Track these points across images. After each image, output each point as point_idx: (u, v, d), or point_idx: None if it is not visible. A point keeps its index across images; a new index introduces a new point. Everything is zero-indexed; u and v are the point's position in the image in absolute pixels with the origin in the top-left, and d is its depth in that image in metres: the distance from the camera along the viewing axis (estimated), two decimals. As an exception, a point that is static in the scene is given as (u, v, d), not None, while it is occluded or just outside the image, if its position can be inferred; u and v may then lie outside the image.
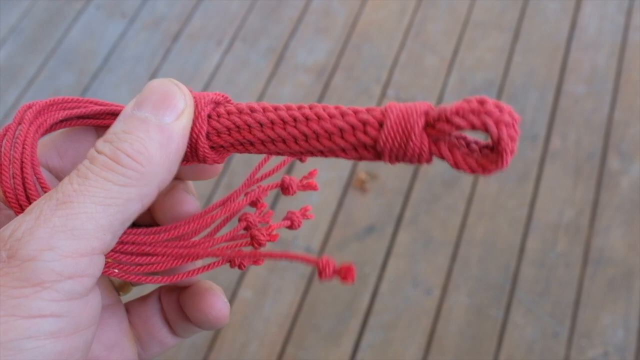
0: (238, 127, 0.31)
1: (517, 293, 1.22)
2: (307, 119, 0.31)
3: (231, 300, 1.24)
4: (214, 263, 0.33)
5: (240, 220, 0.33)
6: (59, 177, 0.34)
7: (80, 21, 1.62)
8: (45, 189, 0.31)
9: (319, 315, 1.23)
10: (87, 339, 0.28)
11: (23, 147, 0.32)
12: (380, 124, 0.30)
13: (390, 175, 1.36)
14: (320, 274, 0.31)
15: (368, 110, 0.31)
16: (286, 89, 1.49)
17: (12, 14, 1.63)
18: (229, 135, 0.31)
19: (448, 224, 1.30)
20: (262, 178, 0.36)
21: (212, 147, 0.32)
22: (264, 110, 0.31)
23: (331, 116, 0.31)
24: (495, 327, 1.20)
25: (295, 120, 0.31)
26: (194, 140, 0.31)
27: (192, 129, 0.31)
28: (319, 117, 0.31)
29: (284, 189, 0.35)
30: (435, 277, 1.25)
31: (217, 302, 0.35)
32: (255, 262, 0.33)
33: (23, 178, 0.31)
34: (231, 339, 1.21)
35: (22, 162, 0.31)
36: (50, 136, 0.34)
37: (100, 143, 0.29)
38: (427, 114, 0.30)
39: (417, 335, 1.19)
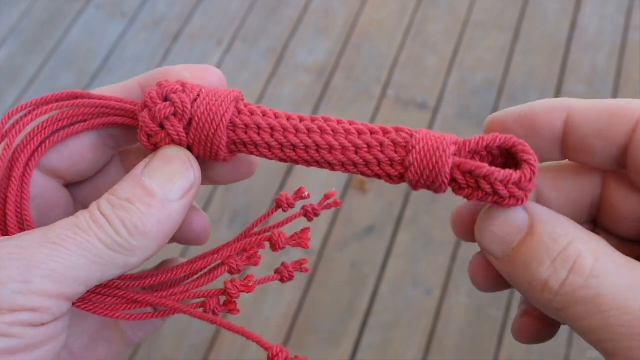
0: (260, 128, 0.31)
1: (517, 293, 1.22)
2: (334, 131, 0.31)
3: (231, 300, 1.24)
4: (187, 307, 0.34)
5: (223, 263, 0.34)
6: (56, 174, 0.34)
7: (80, 21, 1.62)
8: (29, 226, 0.32)
9: (318, 315, 1.23)
10: (51, 351, 0.29)
11: (9, 181, 0.32)
12: (407, 146, 0.31)
13: (390, 175, 1.36)
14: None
15: (397, 130, 0.31)
16: (286, 89, 1.49)
17: (12, 14, 1.63)
18: (246, 133, 0.31)
19: (448, 224, 1.30)
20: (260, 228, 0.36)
21: (230, 143, 0.32)
22: (289, 118, 0.31)
23: (360, 132, 0.31)
24: (495, 327, 1.20)
25: (322, 130, 0.31)
26: (217, 140, 0.31)
27: (215, 129, 0.31)
28: (346, 132, 0.31)
29: (273, 244, 0.35)
30: (435, 277, 1.25)
31: (196, 218, 0.36)
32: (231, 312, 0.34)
33: (5, 214, 0.32)
34: (231, 339, 1.21)
35: (6, 198, 0.32)
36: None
37: (104, 204, 0.30)
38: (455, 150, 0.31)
39: (417, 335, 1.19)
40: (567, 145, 0.31)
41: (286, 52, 1.55)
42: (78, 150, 0.34)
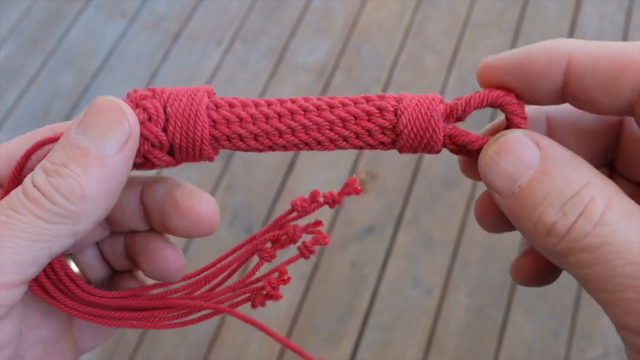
0: (241, 119, 0.31)
1: (517, 293, 1.22)
2: (318, 108, 0.31)
3: (231, 300, 1.24)
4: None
5: (256, 250, 0.33)
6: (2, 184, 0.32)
7: (80, 21, 1.62)
8: None
9: (318, 315, 1.22)
10: (6, 357, 0.28)
11: None
12: (396, 112, 0.30)
13: (390, 175, 1.36)
14: None
15: (381, 98, 0.31)
16: (286, 89, 1.49)
17: (12, 14, 1.63)
18: (228, 127, 0.31)
19: (448, 224, 1.30)
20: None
21: (212, 139, 0.31)
22: (269, 104, 0.31)
23: (344, 104, 0.30)
24: (495, 327, 1.20)
25: (305, 110, 0.30)
26: (198, 133, 0.30)
27: (194, 121, 0.30)
28: (330, 106, 0.30)
29: (290, 237, 0.34)
30: (435, 277, 1.25)
31: (171, 254, 0.34)
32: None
33: None
34: (231, 339, 1.21)
35: None
36: (6, 148, 0.33)
37: (38, 172, 0.28)
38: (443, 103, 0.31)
39: (417, 335, 1.19)
40: (568, 96, 0.29)
41: (286, 52, 1.55)
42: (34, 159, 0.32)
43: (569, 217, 0.26)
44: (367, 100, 0.30)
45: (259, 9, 1.62)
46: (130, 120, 0.29)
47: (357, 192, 0.32)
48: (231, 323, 1.22)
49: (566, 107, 0.31)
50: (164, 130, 0.30)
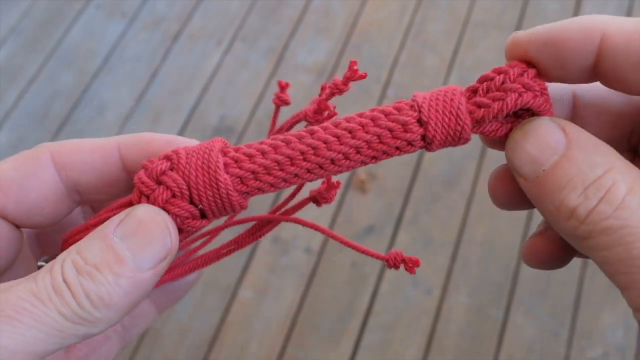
0: (266, 167, 0.30)
1: (517, 293, 1.22)
2: (337, 137, 0.30)
3: (231, 300, 1.24)
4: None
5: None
6: (10, 220, 0.32)
7: (80, 21, 1.62)
8: None
9: (319, 315, 1.22)
10: None
11: None
12: (419, 120, 0.30)
13: (390, 175, 1.36)
14: (389, 266, 0.33)
15: (399, 110, 0.30)
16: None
17: (12, 14, 1.63)
18: (255, 180, 0.30)
19: (448, 224, 1.30)
20: None
21: (241, 193, 0.30)
22: (287, 143, 0.30)
23: (363, 125, 0.30)
24: (495, 327, 1.20)
25: (326, 142, 0.30)
26: (223, 192, 0.30)
27: (217, 187, 0.30)
28: (350, 131, 0.30)
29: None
30: (435, 277, 1.25)
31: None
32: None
33: None
34: (231, 339, 1.21)
35: None
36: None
37: (69, 268, 0.27)
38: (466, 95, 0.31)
39: (417, 335, 1.19)
40: (599, 74, 0.29)
41: (286, 52, 1.55)
42: (39, 203, 0.32)
43: (591, 200, 0.26)
44: (385, 114, 0.30)
45: (259, 9, 1.62)
46: (173, 238, 0.29)
47: (363, 76, 0.32)
48: (231, 323, 1.22)
49: (593, 86, 0.30)
50: (191, 201, 0.30)
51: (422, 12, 1.59)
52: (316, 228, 0.35)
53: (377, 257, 0.33)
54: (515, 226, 1.29)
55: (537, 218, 1.29)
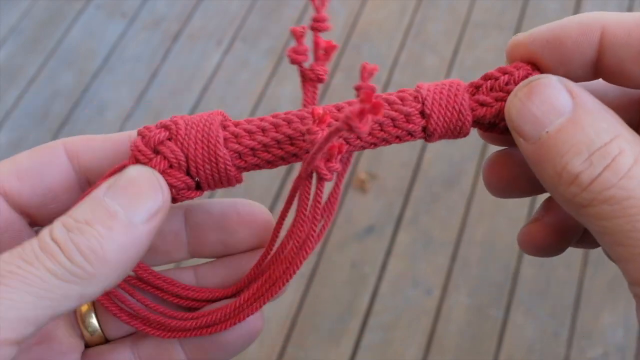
0: (266, 145, 0.30)
1: (517, 293, 1.22)
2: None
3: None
4: None
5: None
6: (14, 202, 0.31)
7: (80, 21, 1.62)
8: None
9: (319, 315, 1.22)
10: None
11: None
12: (421, 112, 0.30)
13: (390, 175, 1.36)
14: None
15: (402, 99, 0.30)
16: (286, 89, 1.49)
17: (12, 14, 1.63)
18: (253, 157, 0.30)
19: (448, 224, 1.30)
20: None
21: (238, 168, 0.30)
22: (289, 122, 0.30)
23: None
24: (495, 327, 1.20)
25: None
26: (221, 167, 0.29)
27: (215, 159, 0.29)
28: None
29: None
30: (435, 277, 1.25)
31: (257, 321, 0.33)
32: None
33: None
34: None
35: None
36: (13, 160, 0.31)
37: (58, 227, 0.26)
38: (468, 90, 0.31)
39: (417, 335, 1.19)
40: (601, 69, 0.29)
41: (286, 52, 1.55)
42: (53, 189, 0.31)
43: (596, 167, 0.25)
44: (389, 102, 0.30)
45: (259, 9, 1.62)
46: (165, 194, 0.29)
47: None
48: (231, 323, 1.22)
49: (590, 83, 0.30)
50: (187, 172, 0.30)
51: (422, 12, 1.59)
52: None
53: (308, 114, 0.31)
54: (515, 226, 1.29)
55: (537, 218, 1.29)
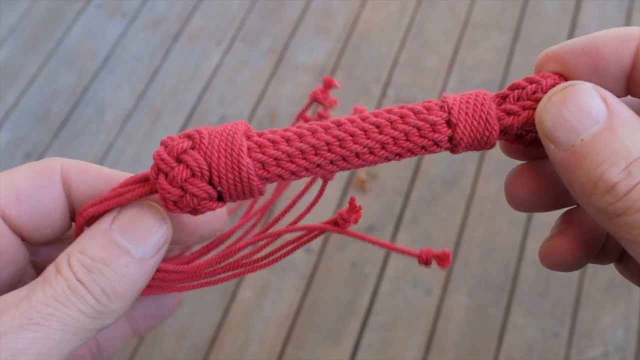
0: (290, 155, 0.30)
1: (517, 293, 1.22)
2: (364, 131, 0.30)
3: (231, 300, 1.24)
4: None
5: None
6: (12, 224, 0.32)
7: (80, 21, 1.62)
8: None
9: (319, 315, 1.22)
10: None
11: None
12: (447, 121, 0.30)
13: (390, 175, 1.36)
14: (420, 262, 0.33)
15: (428, 109, 0.30)
16: (286, 89, 1.49)
17: (12, 14, 1.63)
18: (277, 167, 0.30)
19: (448, 224, 1.30)
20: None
21: (261, 178, 0.30)
22: (313, 132, 0.30)
23: (392, 122, 0.30)
24: (495, 327, 1.20)
25: (352, 135, 0.30)
26: (244, 176, 0.29)
27: (239, 171, 0.29)
28: (377, 126, 0.30)
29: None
30: (435, 277, 1.25)
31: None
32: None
33: None
34: (231, 339, 1.21)
35: None
36: (11, 179, 0.32)
37: (79, 267, 0.28)
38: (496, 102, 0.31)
39: (417, 335, 1.19)
40: (634, 81, 0.28)
41: (286, 52, 1.55)
42: (50, 214, 0.32)
43: (634, 177, 0.25)
44: (415, 112, 0.30)
45: (259, 9, 1.62)
46: (169, 225, 0.30)
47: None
48: (231, 323, 1.22)
49: (621, 98, 0.30)
50: (210, 178, 0.30)
51: (422, 12, 1.59)
52: (363, 238, 0.35)
53: (409, 254, 0.33)
54: (515, 226, 1.29)
55: (538, 218, 1.29)
